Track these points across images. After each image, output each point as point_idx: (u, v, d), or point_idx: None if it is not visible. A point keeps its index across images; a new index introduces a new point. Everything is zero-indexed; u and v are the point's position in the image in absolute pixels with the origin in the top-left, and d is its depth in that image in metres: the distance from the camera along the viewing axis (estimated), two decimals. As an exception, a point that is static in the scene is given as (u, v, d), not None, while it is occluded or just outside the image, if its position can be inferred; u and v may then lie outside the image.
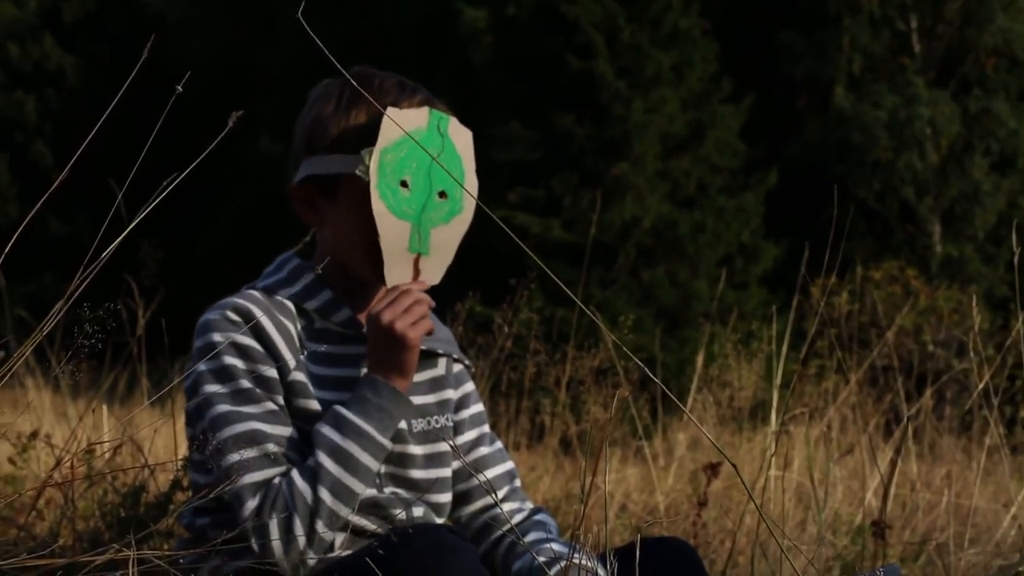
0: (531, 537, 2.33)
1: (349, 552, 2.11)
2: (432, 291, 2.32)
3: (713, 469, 3.26)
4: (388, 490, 2.29)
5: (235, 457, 2.09)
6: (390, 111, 2.17)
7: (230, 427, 2.13)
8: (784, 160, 18.74)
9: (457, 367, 2.48)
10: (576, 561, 1.96)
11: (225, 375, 2.16)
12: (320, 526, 2.08)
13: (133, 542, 1.92)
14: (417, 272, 2.25)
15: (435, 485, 2.34)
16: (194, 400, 2.20)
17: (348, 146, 2.22)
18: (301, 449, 2.18)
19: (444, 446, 2.38)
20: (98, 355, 1.89)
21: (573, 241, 15.80)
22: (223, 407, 2.15)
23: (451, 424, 2.42)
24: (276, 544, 2.07)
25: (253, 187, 22.52)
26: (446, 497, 2.38)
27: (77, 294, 1.85)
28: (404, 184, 2.20)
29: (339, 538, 2.13)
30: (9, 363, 1.94)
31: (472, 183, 2.29)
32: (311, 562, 2.08)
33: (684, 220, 16.72)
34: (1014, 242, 2.81)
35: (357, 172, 2.18)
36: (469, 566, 1.94)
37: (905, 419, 4.36)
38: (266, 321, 2.20)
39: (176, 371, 3.95)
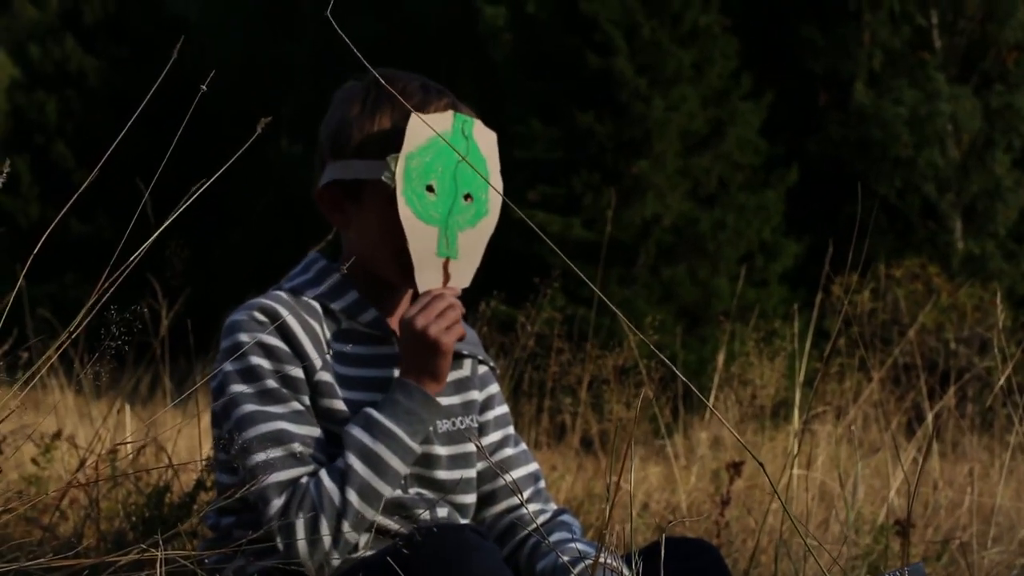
0: (555, 537, 2.33)
1: (373, 552, 2.11)
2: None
3: (736, 468, 3.25)
4: (412, 491, 2.29)
5: (261, 457, 2.10)
6: (415, 117, 2.17)
7: (256, 427, 2.13)
8: (805, 157, 18.71)
9: (482, 369, 2.49)
10: (602, 560, 1.96)
11: (251, 375, 2.17)
12: (346, 527, 2.08)
13: (160, 542, 1.93)
14: (447, 276, 2.25)
15: (459, 486, 2.34)
16: (220, 400, 2.20)
17: (373, 151, 2.22)
18: (327, 449, 2.18)
19: (469, 447, 2.38)
20: (121, 356, 1.90)
21: (593, 239, 15.79)
22: (249, 407, 2.15)
23: (476, 425, 2.42)
24: (302, 544, 2.07)
25: (275, 186, 22.59)
26: (470, 498, 2.38)
27: (105, 299, 1.86)
28: (430, 189, 2.20)
29: (363, 539, 2.13)
30: (35, 366, 1.94)
31: (497, 184, 2.30)
32: (335, 562, 2.08)
33: (705, 218, 16.70)
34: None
35: (383, 178, 2.18)
36: (492, 565, 1.94)
37: (928, 417, 4.35)
38: (292, 321, 2.21)
39: (199, 371, 3.97)
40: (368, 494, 2.10)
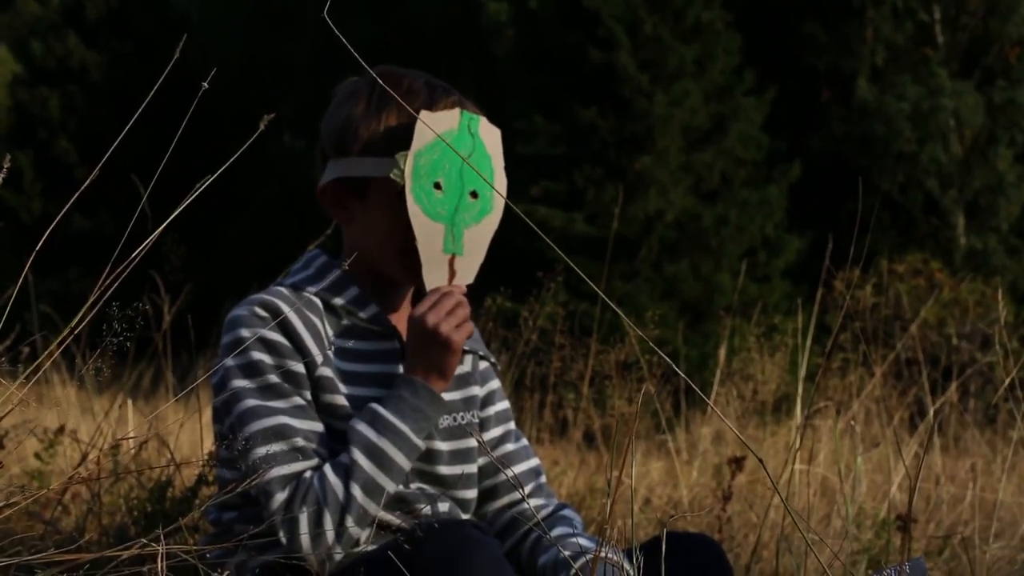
0: (557, 532, 2.34)
1: (374, 547, 2.11)
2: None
3: (737, 463, 3.25)
4: (414, 486, 2.29)
5: (263, 451, 2.10)
6: (423, 114, 2.17)
7: (258, 421, 2.14)
8: (807, 153, 18.71)
9: (483, 364, 2.49)
10: (603, 555, 1.96)
11: (253, 370, 2.17)
12: (350, 522, 2.09)
13: (162, 536, 1.93)
14: (452, 272, 2.25)
15: (461, 481, 2.35)
16: (222, 396, 2.21)
17: (380, 149, 2.22)
18: (329, 444, 2.18)
19: (470, 442, 2.38)
20: (123, 351, 1.90)
21: (596, 235, 15.80)
22: (251, 402, 2.15)
23: (477, 420, 2.43)
24: (305, 538, 2.08)
25: (277, 182, 22.60)
26: (471, 493, 2.38)
27: (108, 295, 1.86)
28: (438, 186, 2.21)
29: (365, 533, 2.13)
30: (38, 362, 1.95)
31: (501, 181, 2.30)
32: (338, 556, 2.08)
33: (707, 213, 16.70)
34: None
35: (392, 176, 2.18)
36: (493, 561, 1.94)
37: (930, 413, 4.35)
38: (294, 317, 2.21)
39: (201, 366, 3.97)
40: (372, 489, 2.10)
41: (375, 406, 2.17)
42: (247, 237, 23.21)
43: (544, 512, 2.43)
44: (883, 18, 19.71)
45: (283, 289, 2.26)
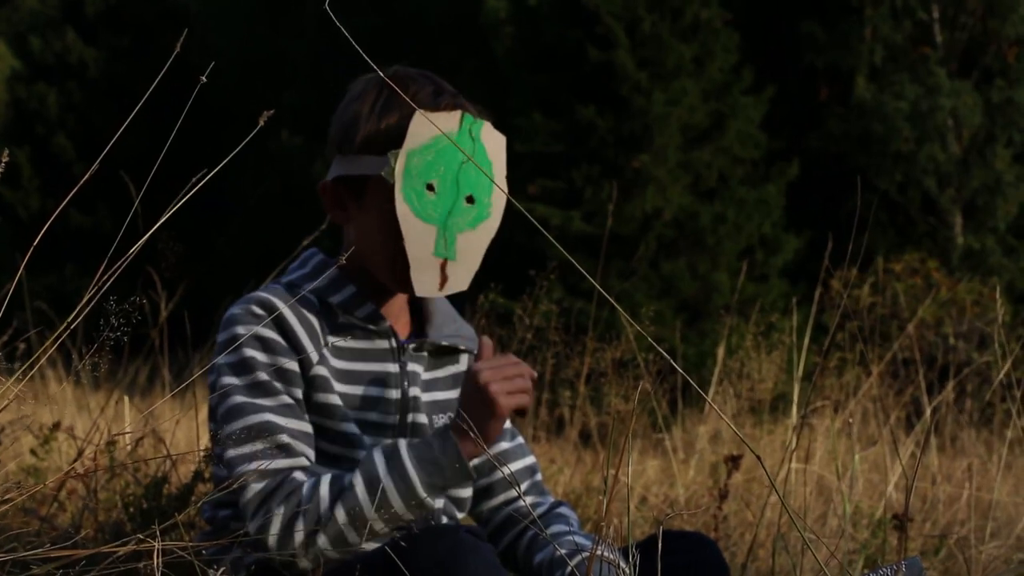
0: (553, 529, 2.34)
1: (368, 549, 2.10)
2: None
3: (734, 461, 3.25)
4: (408, 483, 2.29)
5: (246, 449, 2.10)
6: (419, 114, 2.16)
7: (243, 418, 2.14)
8: (805, 151, 18.72)
9: (479, 365, 2.49)
10: (599, 553, 1.96)
11: (243, 368, 2.17)
12: (322, 539, 2.07)
13: (158, 532, 1.93)
14: (444, 278, 2.23)
15: (455, 479, 2.35)
16: (215, 394, 2.21)
17: (376, 148, 2.21)
18: (313, 444, 2.18)
19: (465, 442, 2.38)
20: (119, 347, 1.89)
21: (593, 233, 15.80)
22: (238, 398, 2.16)
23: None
24: (272, 538, 2.07)
25: (275, 177, 22.58)
26: (467, 492, 2.39)
27: (100, 294, 1.86)
28: (430, 188, 2.19)
29: (337, 551, 2.10)
30: (33, 357, 1.94)
31: (502, 188, 2.28)
32: (304, 564, 2.08)
33: (705, 212, 16.71)
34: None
35: (383, 174, 2.17)
36: (488, 566, 1.93)
37: (927, 412, 4.36)
38: (290, 315, 2.21)
39: (197, 363, 3.97)
40: (356, 518, 2.08)
41: (401, 443, 2.14)
42: (244, 233, 23.19)
43: (540, 510, 2.43)
44: (882, 17, 19.70)
45: (279, 287, 2.26)
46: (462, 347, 2.42)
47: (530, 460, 2.51)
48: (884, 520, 3.44)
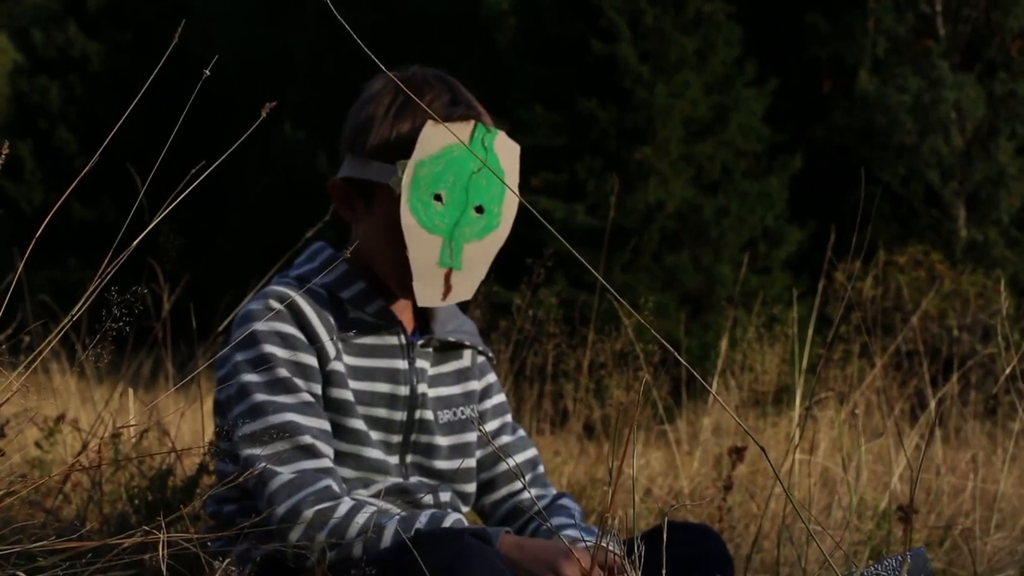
0: (555, 522, 2.34)
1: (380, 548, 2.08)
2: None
3: (738, 453, 3.25)
4: (414, 479, 2.29)
5: (268, 450, 2.09)
6: (429, 124, 2.15)
7: (264, 417, 2.13)
8: (808, 144, 18.69)
9: (480, 358, 2.49)
10: (604, 545, 1.95)
11: (263, 364, 2.16)
12: (331, 554, 2.05)
13: (163, 525, 1.93)
14: (448, 288, 2.22)
15: (459, 475, 2.35)
16: (227, 389, 2.19)
17: (386, 156, 2.20)
18: (332, 442, 2.18)
19: (469, 436, 2.39)
20: (122, 340, 1.89)
21: (597, 226, 15.78)
22: (259, 396, 2.14)
23: (476, 415, 2.43)
24: (294, 535, 2.05)
25: (278, 171, 22.57)
26: (471, 487, 2.39)
27: (103, 285, 1.86)
28: (438, 198, 2.18)
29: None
30: (37, 351, 1.94)
31: (513, 200, 2.27)
32: (331, 554, 2.07)
33: (708, 204, 16.68)
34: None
35: (390, 184, 2.16)
36: (493, 572, 1.93)
37: (931, 404, 4.35)
38: (309, 310, 2.20)
39: (201, 355, 3.97)
40: (369, 551, 2.05)
41: (451, 517, 2.09)
42: (247, 227, 23.19)
43: (543, 502, 2.44)
44: (885, 9, 19.66)
45: (292, 282, 2.25)
46: (466, 342, 2.42)
47: (532, 453, 2.51)
48: (889, 511, 3.44)
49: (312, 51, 24.22)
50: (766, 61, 18.25)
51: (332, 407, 2.21)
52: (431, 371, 2.37)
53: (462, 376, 2.43)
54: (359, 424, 2.22)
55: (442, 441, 2.34)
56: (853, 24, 19.71)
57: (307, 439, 2.12)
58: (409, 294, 2.24)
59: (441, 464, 2.33)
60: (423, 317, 2.40)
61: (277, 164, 22.63)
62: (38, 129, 24.29)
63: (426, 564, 1.87)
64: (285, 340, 2.17)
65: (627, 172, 16.20)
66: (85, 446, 2.75)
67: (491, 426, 2.48)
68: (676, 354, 1.59)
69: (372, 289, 2.28)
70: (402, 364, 2.30)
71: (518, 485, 2.45)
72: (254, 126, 1.92)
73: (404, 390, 2.29)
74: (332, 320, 2.24)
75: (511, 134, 2.30)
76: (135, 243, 1.90)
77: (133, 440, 3.41)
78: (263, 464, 2.08)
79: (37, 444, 3.51)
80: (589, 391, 5.10)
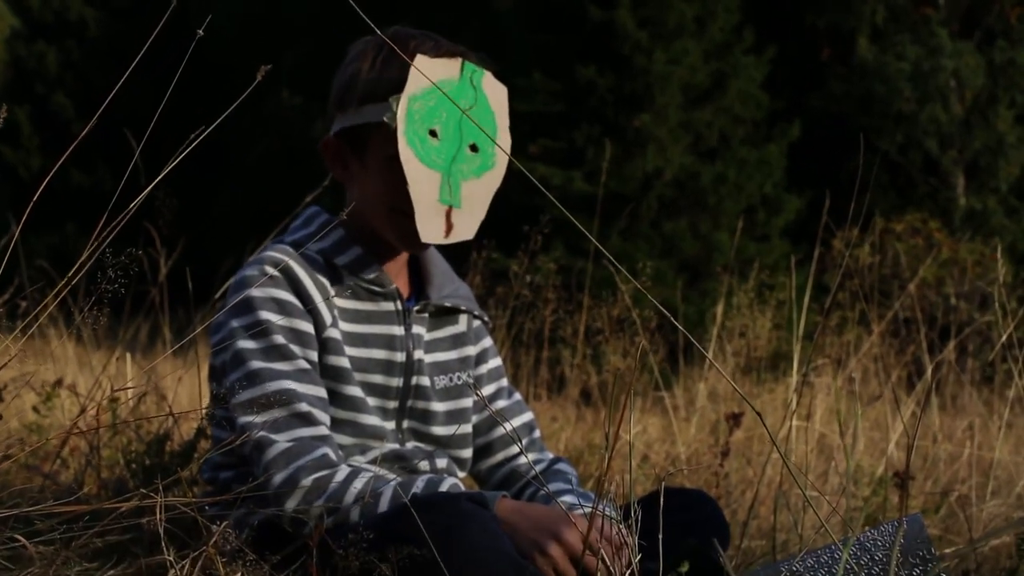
0: (552, 487, 2.34)
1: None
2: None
3: (735, 419, 3.26)
4: (410, 444, 2.29)
5: (264, 416, 2.08)
6: (419, 59, 2.14)
7: (261, 384, 2.12)
8: (807, 111, 18.66)
9: (476, 323, 2.49)
10: (600, 511, 1.96)
11: (259, 331, 2.15)
12: (328, 519, 2.06)
13: (160, 489, 1.93)
14: (450, 225, 2.20)
15: (455, 440, 2.35)
16: (222, 355, 2.18)
17: (377, 96, 2.18)
18: (329, 409, 2.17)
19: (465, 402, 2.39)
20: (119, 304, 1.89)
21: (594, 193, 15.75)
22: (255, 364, 2.13)
23: (472, 380, 2.42)
24: (291, 503, 2.05)
25: (275, 137, 22.53)
26: (467, 452, 2.39)
27: (100, 249, 1.85)
28: (433, 134, 2.17)
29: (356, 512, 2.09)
30: (34, 314, 1.94)
31: (505, 139, 2.26)
32: (328, 520, 2.06)
33: (706, 172, 16.67)
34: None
35: (384, 119, 2.15)
36: (488, 535, 1.92)
37: (928, 371, 4.36)
38: (305, 276, 2.19)
39: (198, 320, 3.97)
40: (366, 514, 2.05)
41: (447, 482, 2.09)
42: (244, 192, 23.16)
43: (539, 466, 2.44)
44: (883, -24, 19.62)
45: (287, 247, 2.23)
46: (462, 307, 2.42)
47: (528, 417, 2.52)
48: (885, 478, 3.44)
49: (309, 17, 24.14)
50: (765, 28, 18.20)
51: (329, 374, 2.20)
52: (427, 336, 2.37)
53: (458, 341, 2.43)
54: (356, 391, 2.21)
55: (438, 407, 2.33)
56: (852, -9, 19.66)
57: (304, 406, 2.11)
58: (410, 239, 2.22)
59: (438, 430, 2.33)
60: (419, 283, 2.39)
61: (274, 130, 22.59)
62: (35, 94, 24.23)
63: (424, 528, 1.87)
64: (281, 306, 2.16)
65: (625, 139, 16.18)
66: (83, 411, 2.74)
67: (487, 390, 2.48)
68: (672, 319, 1.59)
69: (368, 254, 2.28)
70: (398, 330, 2.29)
71: (515, 449, 2.45)
72: (250, 89, 1.91)
73: (400, 356, 2.28)
74: (328, 286, 2.23)
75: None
76: (132, 207, 1.89)
77: (131, 404, 3.41)
78: (260, 432, 2.07)
79: (35, 409, 3.51)
80: (586, 357, 5.11)
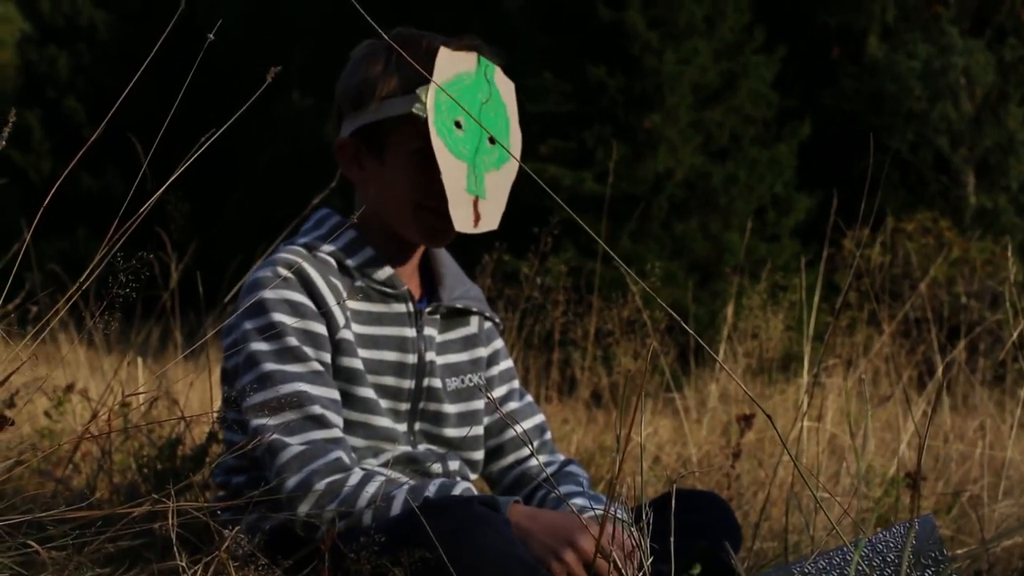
0: (563, 489, 2.34)
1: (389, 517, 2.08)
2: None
3: (746, 420, 3.25)
4: (423, 447, 2.29)
5: (277, 419, 2.08)
6: (444, 51, 2.15)
7: (274, 387, 2.11)
8: (817, 111, 18.63)
9: (487, 324, 2.49)
10: (612, 514, 1.96)
11: (272, 333, 2.15)
12: (340, 523, 2.06)
13: (172, 494, 1.93)
14: (477, 216, 2.21)
15: (467, 442, 2.35)
16: (235, 358, 2.18)
17: (401, 90, 2.19)
18: (342, 412, 2.17)
19: (477, 404, 2.38)
20: (130, 308, 1.90)
21: (604, 193, 15.74)
22: (268, 366, 2.13)
23: (484, 381, 2.42)
24: (304, 507, 2.05)
25: (286, 140, 22.54)
26: (479, 454, 2.39)
27: (111, 254, 1.85)
28: (458, 125, 2.18)
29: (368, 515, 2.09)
30: (45, 319, 1.95)
31: (516, 134, 2.28)
32: (340, 524, 2.06)
33: (717, 172, 16.65)
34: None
35: (414, 110, 2.15)
36: (500, 538, 1.92)
37: (939, 371, 4.35)
38: (318, 278, 2.19)
39: (209, 324, 3.98)
40: (378, 519, 2.05)
41: (460, 486, 2.09)
42: (254, 195, 23.18)
43: (550, 469, 2.44)
44: (893, -25, 19.59)
45: (299, 248, 2.24)
46: (473, 308, 2.42)
47: (539, 419, 2.51)
48: (897, 478, 3.44)
49: (316, 20, 24.14)
50: (775, 27, 18.18)
51: (342, 376, 2.20)
52: (439, 338, 2.37)
53: (469, 343, 2.43)
54: (369, 393, 2.21)
55: (450, 409, 2.33)
56: (862, -10, 19.63)
57: (317, 409, 2.11)
58: (434, 237, 2.24)
59: (449, 432, 2.33)
60: (430, 284, 2.39)
61: (284, 132, 22.60)
62: (46, 98, 24.26)
63: (435, 532, 1.87)
64: (294, 308, 2.16)
65: (636, 140, 16.17)
66: (94, 415, 2.75)
67: (498, 392, 2.47)
68: (681, 322, 1.59)
69: (380, 256, 2.28)
70: (410, 332, 2.29)
71: (526, 451, 2.45)
72: (259, 91, 1.91)
73: (412, 358, 2.28)
74: (340, 287, 2.23)
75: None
76: (143, 210, 1.90)
77: (142, 409, 3.41)
78: (272, 435, 2.07)
79: (46, 414, 3.51)
80: (597, 359, 5.10)
